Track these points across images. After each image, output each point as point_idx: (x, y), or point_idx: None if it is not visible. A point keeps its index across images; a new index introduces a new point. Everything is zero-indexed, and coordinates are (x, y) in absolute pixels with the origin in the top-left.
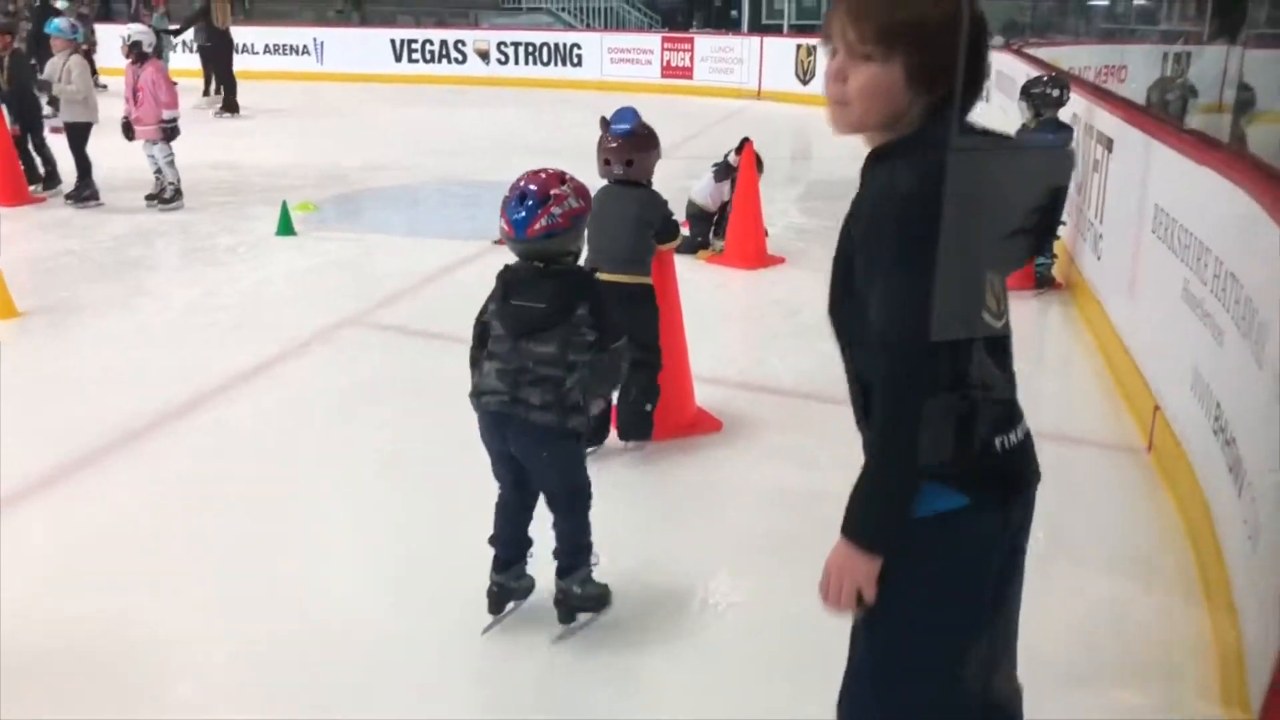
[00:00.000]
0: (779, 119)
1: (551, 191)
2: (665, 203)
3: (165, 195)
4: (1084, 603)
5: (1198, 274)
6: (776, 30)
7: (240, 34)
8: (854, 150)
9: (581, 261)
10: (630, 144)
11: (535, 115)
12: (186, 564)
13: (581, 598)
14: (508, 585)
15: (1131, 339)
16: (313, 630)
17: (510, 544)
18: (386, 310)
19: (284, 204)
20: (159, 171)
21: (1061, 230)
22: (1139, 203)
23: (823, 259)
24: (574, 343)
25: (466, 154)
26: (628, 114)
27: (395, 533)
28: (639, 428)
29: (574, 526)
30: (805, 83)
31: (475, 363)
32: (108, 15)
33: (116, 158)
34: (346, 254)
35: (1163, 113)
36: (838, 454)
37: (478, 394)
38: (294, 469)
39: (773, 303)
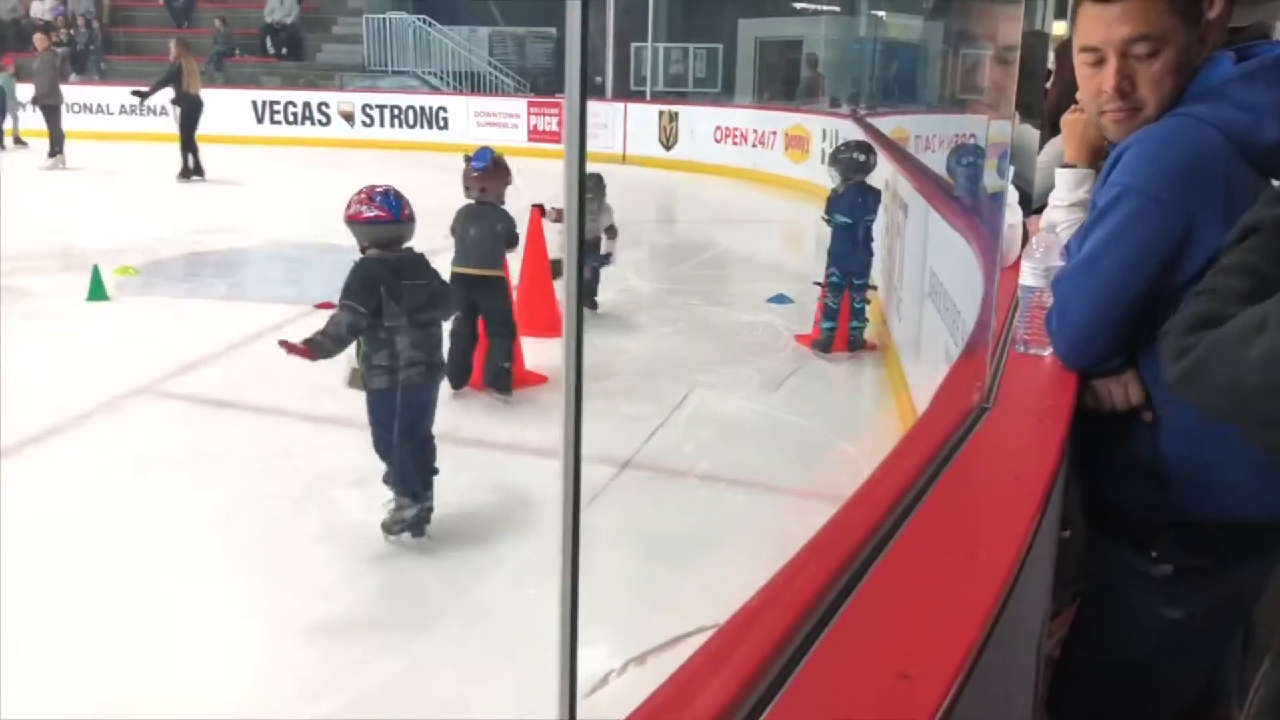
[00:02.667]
0: (643, 182)
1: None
2: (514, 220)
3: None
4: None
5: (954, 336)
6: (640, 96)
7: (94, 94)
8: (712, 213)
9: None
10: (486, 174)
11: (396, 177)
12: None
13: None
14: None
15: (920, 402)
16: None
17: (412, 475)
18: (183, 378)
19: (95, 268)
20: None
21: (874, 293)
22: (921, 267)
23: (646, 322)
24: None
25: (310, 216)
26: (485, 153)
27: (144, 617)
28: (502, 381)
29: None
30: (668, 148)
31: (377, 345)
32: None
33: None
34: (156, 319)
35: (955, 179)
36: None
37: (392, 369)
38: (42, 549)
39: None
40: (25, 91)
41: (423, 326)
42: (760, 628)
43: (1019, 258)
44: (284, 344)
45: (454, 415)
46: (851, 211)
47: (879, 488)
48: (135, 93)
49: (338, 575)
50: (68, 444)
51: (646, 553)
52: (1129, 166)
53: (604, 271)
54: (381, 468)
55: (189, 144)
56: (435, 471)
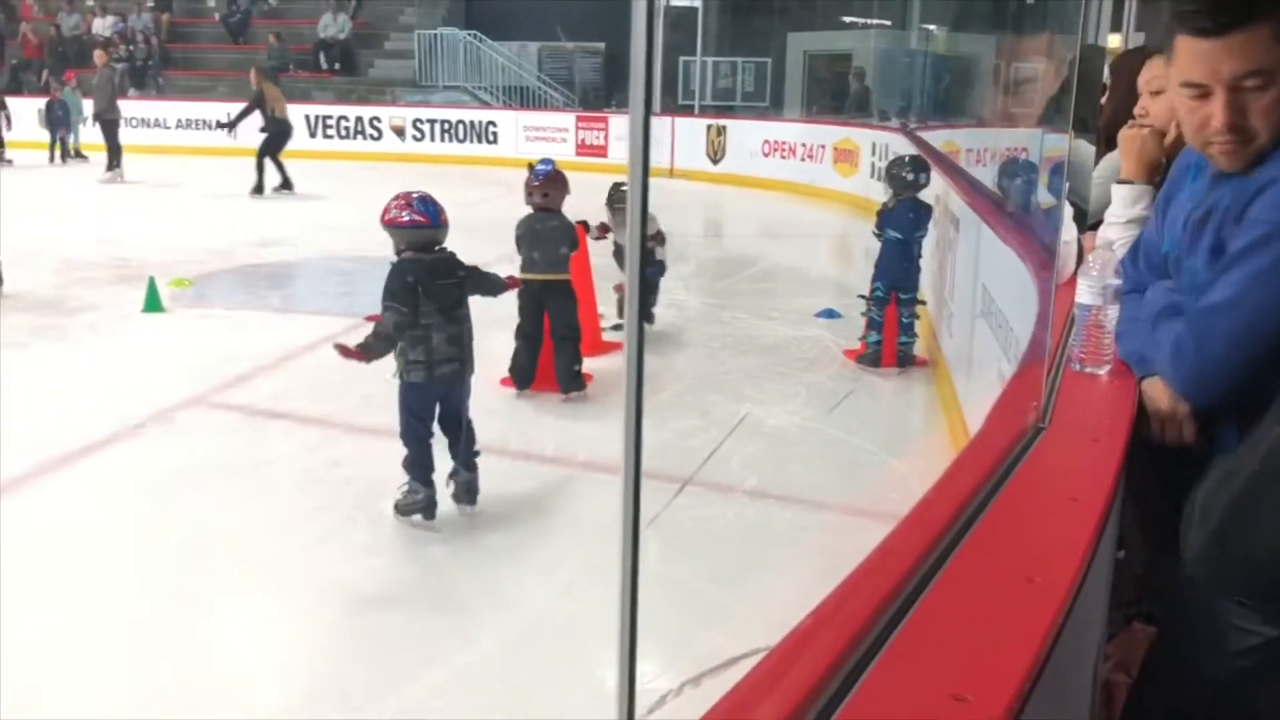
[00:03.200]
0: (690, 196)
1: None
2: (573, 225)
3: None
4: None
5: (1006, 353)
6: (689, 110)
7: (152, 109)
8: (760, 227)
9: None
10: (548, 182)
11: (446, 191)
12: None
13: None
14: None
15: (972, 420)
16: None
17: (429, 465)
18: (236, 390)
19: (151, 280)
20: None
21: (923, 309)
22: (973, 283)
23: (693, 337)
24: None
25: (361, 230)
26: (548, 162)
27: (191, 626)
28: (575, 383)
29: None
30: (716, 162)
31: (415, 342)
32: (17, 88)
33: None
34: (210, 331)
35: (1007, 194)
36: None
37: (429, 365)
38: (95, 559)
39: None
40: (87, 106)
41: (457, 323)
42: (814, 649)
43: (1074, 274)
44: (338, 347)
45: (508, 422)
46: (902, 227)
47: (933, 508)
48: (222, 124)
49: (386, 587)
50: (122, 453)
51: (695, 571)
52: (1277, 205)
53: (660, 283)
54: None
55: (275, 162)
56: (477, 454)
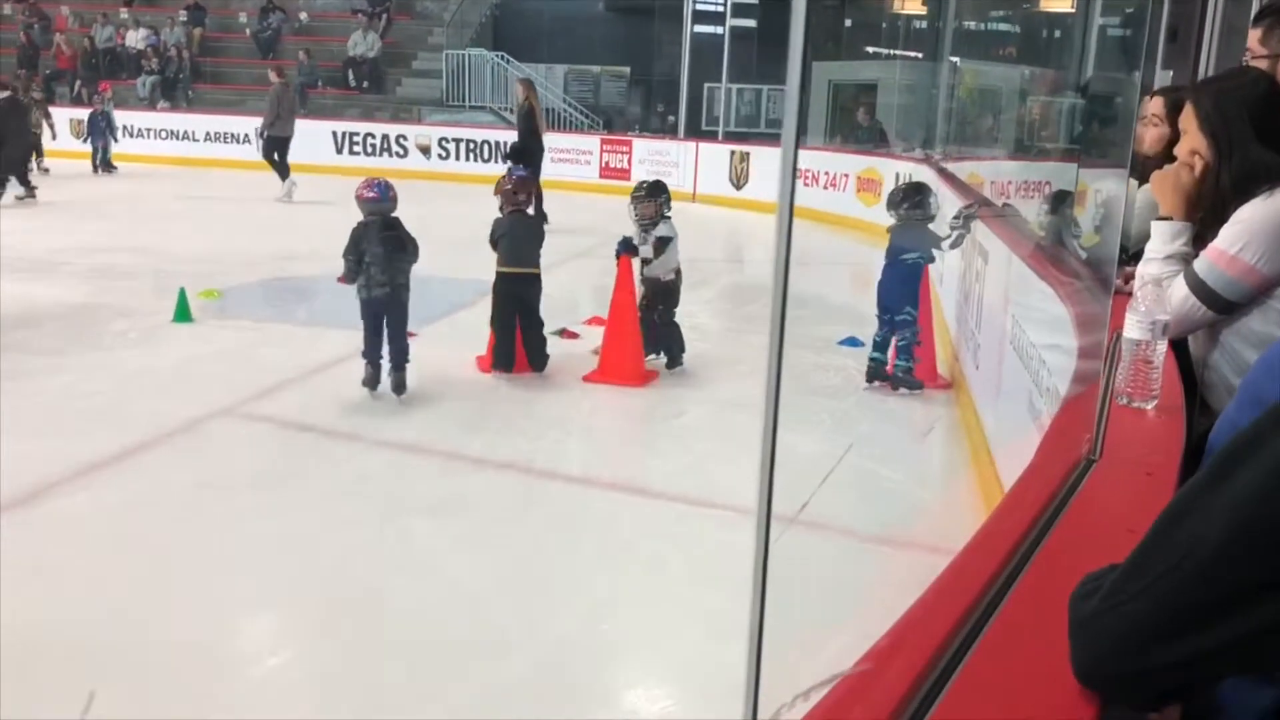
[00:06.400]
0: (713, 222)
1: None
2: (542, 225)
3: None
4: None
5: (1037, 385)
6: (712, 136)
7: (181, 121)
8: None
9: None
10: (523, 185)
11: (469, 210)
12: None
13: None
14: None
15: (998, 450)
16: None
17: (377, 352)
18: (264, 401)
19: (181, 291)
20: None
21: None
22: (1002, 314)
23: (717, 361)
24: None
25: None
26: (517, 169)
27: (218, 635)
28: (543, 361)
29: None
30: (739, 187)
31: (358, 271)
32: (50, 99)
33: (16, 237)
34: (240, 343)
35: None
36: None
37: (369, 287)
38: (125, 568)
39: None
40: (120, 117)
41: (394, 264)
42: (889, 674)
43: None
44: (341, 279)
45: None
46: (889, 252)
47: (995, 536)
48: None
49: (414, 602)
50: (153, 461)
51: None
52: None
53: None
54: None
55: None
56: (408, 358)
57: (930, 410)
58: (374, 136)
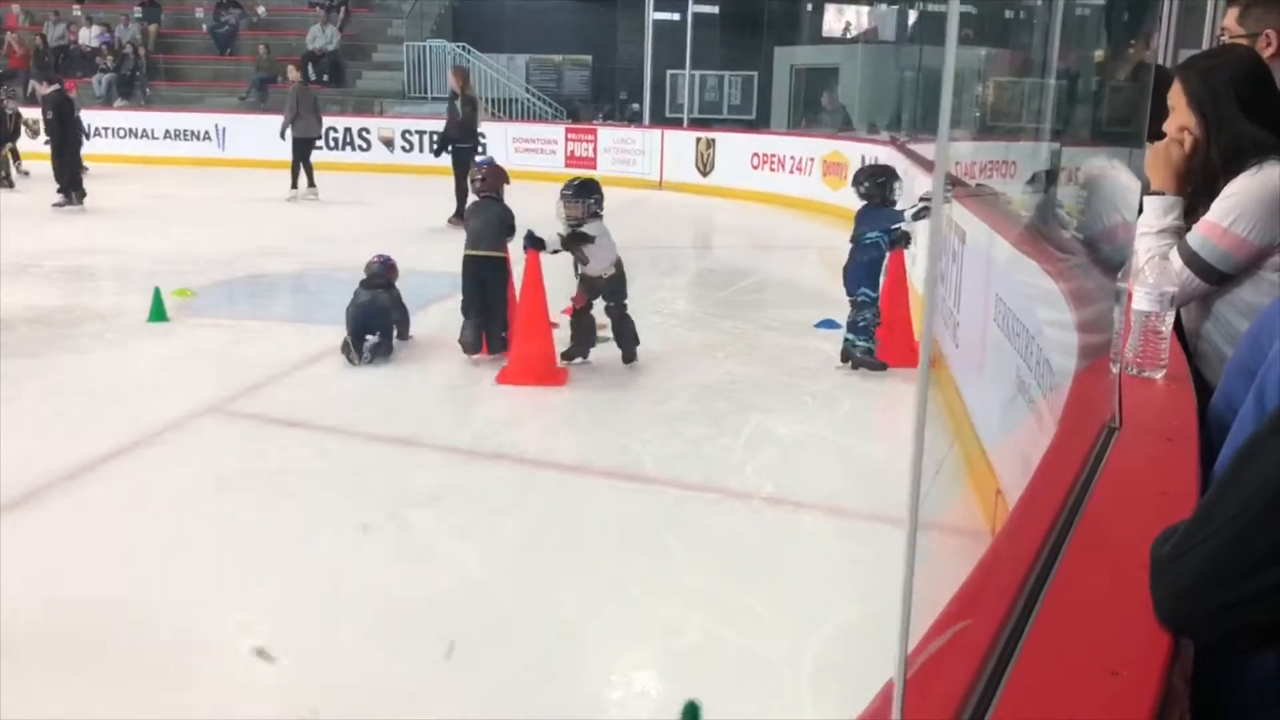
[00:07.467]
0: (680, 208)
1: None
2: (511, 212)
3: None
4: None
5: (1026, 361)
6: (677, 124)
7: (140, 119)
8: (751, 239)
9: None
10: (490, 172)
11: (435, 203)
12: None
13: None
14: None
15: (980, 425)
16: None
17: (360, 341)
18: (251, 398)
19: (156, 290)
20: None
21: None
22: (984, 293)
23: (696, 346)
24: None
25: (355, 240)
26: (487, 158)
27: (221, 632)
28: (502, 345)
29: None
30: (705, 174)
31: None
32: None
33: None
34: (218, 341)
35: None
36: None
37: (355, 304)
38: (123, 567)
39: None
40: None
41: (374, 296)
42: (944, 679)
43: None
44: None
45: (526, 434)
46: (857, 234)
47: (1040, 499)
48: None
49: (416, 593)
50: (143, 461)
51: (724, 572)
52: None
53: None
54: None
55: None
56: (390, 350)
57: (903, 389)
58: (335, 130)
